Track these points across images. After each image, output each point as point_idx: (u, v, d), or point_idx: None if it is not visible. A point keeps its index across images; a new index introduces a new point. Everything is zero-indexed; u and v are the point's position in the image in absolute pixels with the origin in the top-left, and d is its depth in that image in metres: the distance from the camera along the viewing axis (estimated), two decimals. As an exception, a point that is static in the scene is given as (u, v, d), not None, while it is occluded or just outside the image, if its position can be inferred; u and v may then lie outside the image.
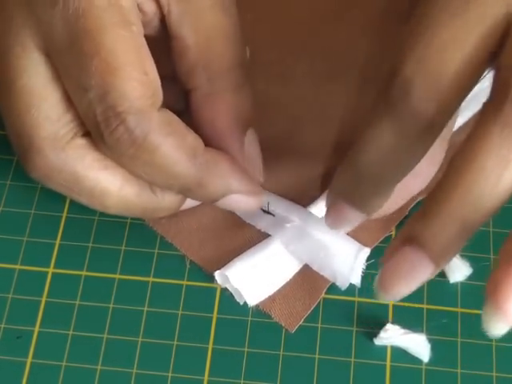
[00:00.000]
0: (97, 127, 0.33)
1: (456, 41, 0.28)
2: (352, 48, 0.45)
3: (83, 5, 0.32)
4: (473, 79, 0.29)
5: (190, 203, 0.38)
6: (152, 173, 0.34)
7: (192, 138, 0.34)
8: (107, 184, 0.35)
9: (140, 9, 0.34)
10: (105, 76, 0.32)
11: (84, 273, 0.39)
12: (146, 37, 0.35)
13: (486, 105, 0.28)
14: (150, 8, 0.34)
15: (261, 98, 0.43)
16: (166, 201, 0.36)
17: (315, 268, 0.38)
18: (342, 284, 0.38)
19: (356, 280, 0.38)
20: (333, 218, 0.35)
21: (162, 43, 0.36)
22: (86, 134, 0.34)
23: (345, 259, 0.38)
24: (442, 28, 0.29)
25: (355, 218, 0.35)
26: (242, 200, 0.36)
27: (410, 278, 0.29)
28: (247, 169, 0.36)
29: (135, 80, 0.32)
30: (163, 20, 0.35)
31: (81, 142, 0.34)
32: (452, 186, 0.28)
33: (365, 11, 0.46)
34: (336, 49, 0.45)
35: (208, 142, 0.35)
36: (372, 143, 0.31)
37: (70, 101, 0.34)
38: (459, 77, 0.29)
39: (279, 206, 0.39)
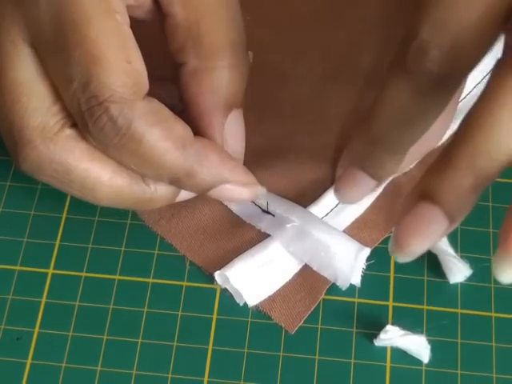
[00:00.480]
0: (82, 117, 0.33)
1: (471, 1, 0.29)
2: (352, 48, 0.45)
3: None
4: (487, 40, 0.29)
5: (185, 195, 0.38)
6: (140, 163, 0.34)
7: (180, 128, 0.34)
8: (97, 175, 0.35)
9: None
10: (87, 66, 0.32)
11: (84, 274, 0.39)
12: (142, 23, 0.35)
13: (500, 61, 0.28)
14: None
15: (261, 97, 0.43)
16: (159, 192, 0.36)
17: (315, 268, 0.38)
18: (343, 284, 0.38)
19: (356, 280, 0.38)
20: (343, 187, 0.36)
21: (160, 44, 0.36)
22: (75, 126, 0.35)
23: (345, 259, 0.38)
24: None
25: (367, 187, 0.35)
26: (234, 190, 0.36)
27: (426, 234, 0.29)
28: (225, 149, 0.36)
29: (117, 69, 0.32)
30: (156, 1, 0.35)
31: (70, 132, 0.34)
32: (467, 138, 0.28)
33: (365, 10, 0.46)
34: (336, 49, 0.45)
35: (192, 122, 0.35)
36: (388, 105, 0.31)
37: (57, 92, 0.34)
38: (474, 36, 0.29)
39: (279, 206, 0.39)
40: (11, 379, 0.36)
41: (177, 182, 0.35)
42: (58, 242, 0.40)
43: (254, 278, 0.38)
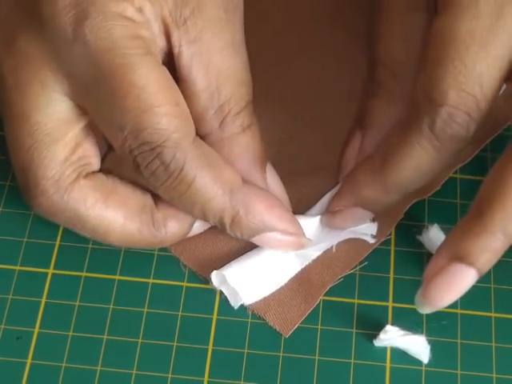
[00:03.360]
0: (133, 160, 0.33)
1: (490, 68, 0.32)
2: (351, 48, 0.45)
3: (104, 39, 0.32)
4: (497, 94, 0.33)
5: (196, 229, 0.38)
6: (188, 204, 0.35)
7: (229, 172, 0.35)
8: (109, 222, 0.36)
9: None
10: (139, 114, 0.32)
11: (84, 274, 0.39)
12: None
13: None
14: (160, 43, 0.34)
15: (261, 97, 0.43)
16: (169, 235, 0.37)
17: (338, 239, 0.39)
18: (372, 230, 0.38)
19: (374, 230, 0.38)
20: (341, 219, 0.38)
21: None
22: (89, 175, 0.35)
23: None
24: (477, 62, 0.32)
25: (365, 218, 0.37)
26: (279, 239, 0.37)
27: (459, 290, 0.32)
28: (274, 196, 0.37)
29: (169, 114, 0.33)
30: (171, 57, 0.35)
31: (84, 182, 0.35)
32: (499, 205, 0.31)
33: (365, 11, 0.46)
34: (335, 49, 0.45)
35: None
36: (411, 162, 0.34)
37: (78, 141, 0.35)
38: (491, 97, 0.32)
39: None
40: (11, 379, 0.36)
41: (222, 225, 0.36)
42: (58, 242, 0.40)
43: (251, 278, 0.38)
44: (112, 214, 0.36)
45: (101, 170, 0.37)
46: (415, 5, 0.36)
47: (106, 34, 0.32)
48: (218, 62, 0.34)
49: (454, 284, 0.32)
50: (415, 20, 0.36)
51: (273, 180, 0.38)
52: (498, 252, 0.32)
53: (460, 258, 0.32)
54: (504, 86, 0.34)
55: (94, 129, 0.36)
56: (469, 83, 0.32)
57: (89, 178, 0.35)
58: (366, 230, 0.38)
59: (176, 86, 0.34)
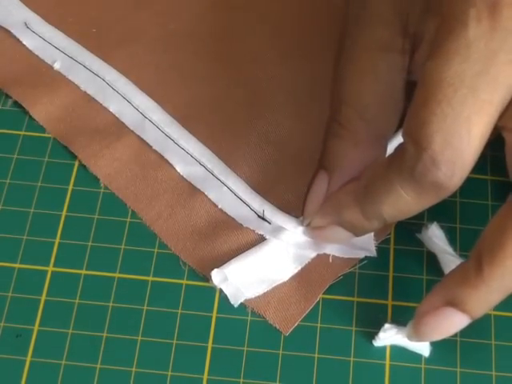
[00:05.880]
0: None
1: (478, 113, 0.30)
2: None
3: None
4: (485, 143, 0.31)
5: None
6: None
7: None
8: None
9: None
10: None
11: (83, 271, 0.39)
12: None
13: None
14: None
15: (262, 97, 0.43)
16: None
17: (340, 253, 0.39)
18: (371, 252, 0.38)
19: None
20: (322, 236, 0.38)
21: None
22: None
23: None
24: (465, 106, 0.30)
25: (346, 239, 0.37)
26: None
27: (449, 332, 0.34)
28: None
29: None
30: None
31: None
32: (496, 260, 0.31)
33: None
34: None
35: None
36: (389, 199, 0.33)
37: None
38: (480, 146, 0.31)
39: (275, 216, 0.39)
40: (11, 377, 0.36)
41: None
42: (57, 240, 0.40)
43: (252, 276, 0.38)
44: None
45: None
46: (388, 46, 0.35)
47: None
48: None
49: (445, 326, 0.33)
50: (386, 61, 0.35)
51: None
52: (493, 304, 0.32)
53: (454, 304, 0.32)
54: None
55: None
56: (456, 128, 0.30)
57: None
58: (364, 247, 0.38)
59: None
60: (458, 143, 0.30)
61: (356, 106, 0.36)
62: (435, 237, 0.39)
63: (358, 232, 0.37)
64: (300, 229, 0.39)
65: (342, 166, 0.36)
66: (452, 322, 0.33)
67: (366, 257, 0.39)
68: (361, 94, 0.36)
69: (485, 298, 0.32)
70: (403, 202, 0.33)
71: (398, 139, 0.36)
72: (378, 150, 0.37)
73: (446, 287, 0.33)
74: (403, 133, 0.33)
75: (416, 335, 0.34)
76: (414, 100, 0.32)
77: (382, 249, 0.39)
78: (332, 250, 0.39)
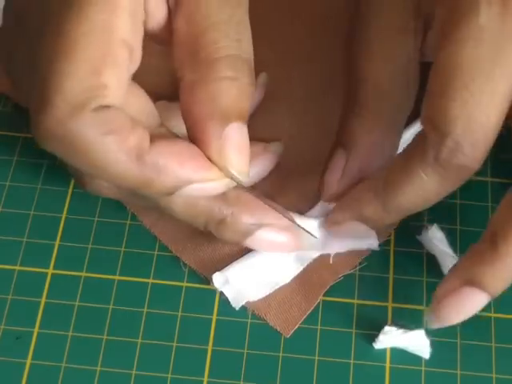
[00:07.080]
0: None
1: (496, 98, 0.31)
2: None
3: None
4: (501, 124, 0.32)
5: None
6: (96, 171, 0.33)
7: (135, 138, 0.32)
8: None
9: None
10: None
11: (84, 274, 0.39)
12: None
13: None
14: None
15: (264, 97, 0.43)
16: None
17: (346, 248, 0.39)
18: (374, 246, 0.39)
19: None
20: (341, 232, 0.38)
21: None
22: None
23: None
24: (483, 91, 0.31)
25: (365, 233, 0.38)
26: (201, 188, 0.34)
27: (470, 312, 0.34)
28: (232, 159, 0.34)
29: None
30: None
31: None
32: (510, 235, 0.31)
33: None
34: (333, 54, 0.45)
35: (188, 132, 0.34)
36: (412, 188, 0.34)
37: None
38: (498, 126, 0.32)
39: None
40: (11, 379, 0.36)
41: (138, 191, 0.34)
42: (57, 242, 0.40)
43: (253, 279, 0.38)
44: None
45: None
46: (401, 27, 0.36)
47: None
48: (202, 9, 0.34)
49: (466, 306, 0.33)
50: (403, 41, 0.36)
51: (233, 141, 0.34)
52: (510, 280, 0.33)
53: (473, 283, 0.33)
54: None
55: None
56: (476, 113, 0.31)
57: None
58: (367, 243, 0.38)
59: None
60: (479, 127, 0.32)
61: (376, 85, 0.37)
62: (435, 238, 0.39)
63: (377, 226, 0.37)
64: (315, 223, 0.39)
65: (361, 144, 0.37)
66: (472, 302, 0.33)
67: (366, 258, 0.39)
68: (381, 74, 0.37)
69: (501, 275, 0.32)
70: (427, 189, 0.34)
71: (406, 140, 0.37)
72: (393, 132, 0.38)
73: (463, 268, 0.33)
74: (422, 121, 0.33)
75: (437, 319, 0.34)
76: (430, 87, 0.33)
77: (382, 250, 0.39)
78: (339, 248, 0.39)
